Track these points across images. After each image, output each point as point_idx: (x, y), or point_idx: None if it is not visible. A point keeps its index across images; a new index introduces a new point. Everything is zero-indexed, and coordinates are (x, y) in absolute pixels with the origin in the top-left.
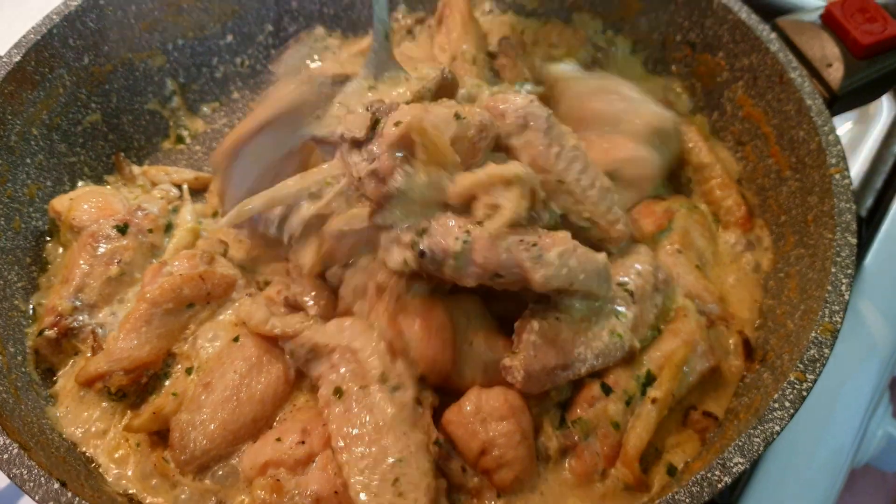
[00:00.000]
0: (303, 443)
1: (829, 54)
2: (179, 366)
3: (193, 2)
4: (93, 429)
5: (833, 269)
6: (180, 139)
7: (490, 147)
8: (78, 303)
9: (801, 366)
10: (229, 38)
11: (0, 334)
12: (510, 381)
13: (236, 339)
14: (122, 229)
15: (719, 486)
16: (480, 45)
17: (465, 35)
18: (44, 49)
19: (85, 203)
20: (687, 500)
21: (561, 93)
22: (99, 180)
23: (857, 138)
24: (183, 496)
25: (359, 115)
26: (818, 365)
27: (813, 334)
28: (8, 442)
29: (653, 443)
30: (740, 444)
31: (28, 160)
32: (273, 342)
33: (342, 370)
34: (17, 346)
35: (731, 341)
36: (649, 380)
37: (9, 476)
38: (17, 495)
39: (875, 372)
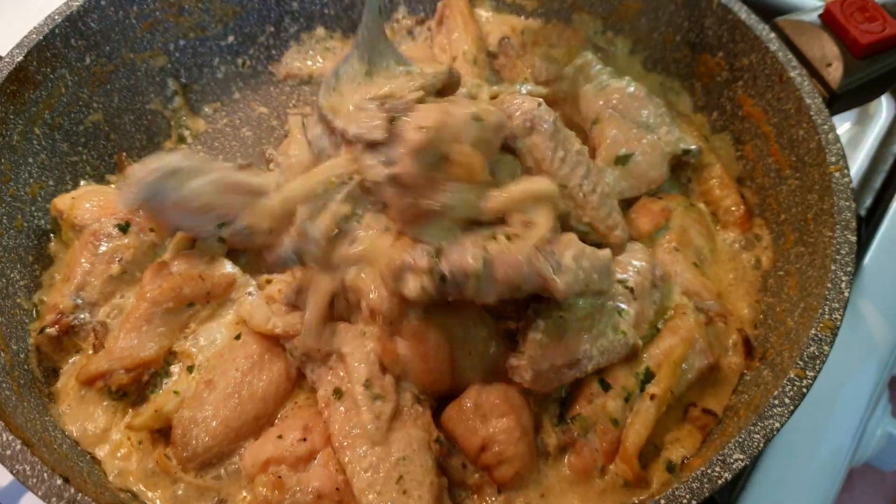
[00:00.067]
0: (304, 440)
1: (828, 54)
2: (180, 364)
3: (195, 2)
4: (94, 427)
5: (833, 267)
6: (182, 139)
7: (499, 147)
8: (79, 301)
9: (800, 363)
10: (231, 38)
11: (3, 332)
12: (518, 381)
13: (238, 337)
14: (124, 228)
15: (719, 482)
16: (481, 46)
17: (466, 35)
18: (46, 49)
19: (87, 202)
20: (687, 496)
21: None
22: (101, 180)
23: (856, 138)
24: (185, 493)
25: (371, 113)
26: (818, 362)
27: (813, 331)
28: (11, 438)
29: (652, 440)
30: (740, 440)
31: (30, 159)
32: (274, 340)
33: (340, 373)
34: (19, 343)
35: (730, 339)
36: (648, 377)
37: (11, 472)
38: (20, 493)
39: (874, 371)
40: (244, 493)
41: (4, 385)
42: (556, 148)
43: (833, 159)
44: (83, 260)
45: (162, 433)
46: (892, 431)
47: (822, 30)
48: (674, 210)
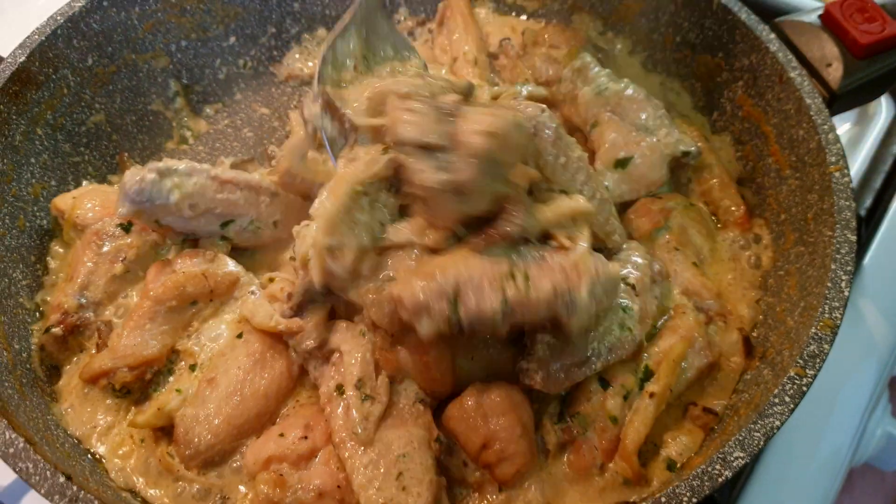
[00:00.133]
0: (306, 438)
1: (828, 54)
2: (183, 363)
3: (197, 3)
4: (97, 425)
5: (833, 266)
6: (183, 139)
7: None
8: (83, 300)
9: (800, 361)
10: (232, 39)
11: (5, 331)
12: (529, 383)
13: (240, 336)
14: (127, 227)
15: (720, 479)
16: (481, 47)
17: (466, 36)
18: (48, 50)
19: (88, 201)
20: (688, 494)
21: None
22: (103, 180)
23: (856, 138)
24: (187, 491)
25: (423, 114)
26: (818, 361)
27: (813, 330)
28: (14, 436)
29: (652, 438)
30: (741, 438)
31: (33, 160)
32: (277, 338)
33: (342, 369)
34: (21, 343)
35: (729, 338)
36: (647, 375)
37: (14, 470)
38: (22, 492)
39: (874, 371)
40: (246, 491)
41: (7, 384)
42: (558, 154)
43: (833, 159)
44: (86, 259)
45: (164, 431)
46: (892, 431)
47: (822, 30)
48: (673, 210)
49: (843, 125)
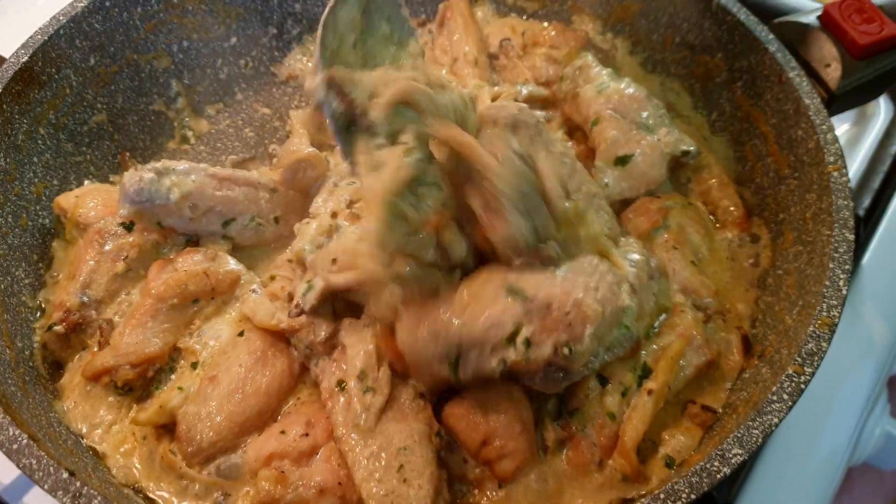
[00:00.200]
0: (307, 435)
1: (826, 55)
2: (184, 361)
3: (198, 4)
4: (99, 422)
5: (831, 265)
6: (185, 139)
7: None
8: (85, 298)
9: (799, 359)
10: (233, 40)
11: (8, 329)
12: (527, 383)
13: (241, 334)
14: (129, 226)
15: (718, 476)
16: (481, 47)
17: (467, 37)
18: (51, 50)
19: (90, 200)
20: (686, 491)
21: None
22: (105, 180)
23: (855, 139)
24: (189, 488)
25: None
26: (816, 359)
27: (811, 329)
28: (17, 433)
29: (650, 436)
30: (739, 435)
31: (35, 159)
32: (278, 336)
33: (343, 365)
34: (24, 341)
35: (727, 336)
36: (645, 372)
37: (18, 466)
38: (25, 488)
39: (872, 371)
40: (247, 488)
41: (10, 381)
42: (538, 150)
43: (831, 159)
44: (88, 258)
45: (166, 429)
46: (891, 431)
47: (821, 31)
48: (671, 209)
49: (842, 125)
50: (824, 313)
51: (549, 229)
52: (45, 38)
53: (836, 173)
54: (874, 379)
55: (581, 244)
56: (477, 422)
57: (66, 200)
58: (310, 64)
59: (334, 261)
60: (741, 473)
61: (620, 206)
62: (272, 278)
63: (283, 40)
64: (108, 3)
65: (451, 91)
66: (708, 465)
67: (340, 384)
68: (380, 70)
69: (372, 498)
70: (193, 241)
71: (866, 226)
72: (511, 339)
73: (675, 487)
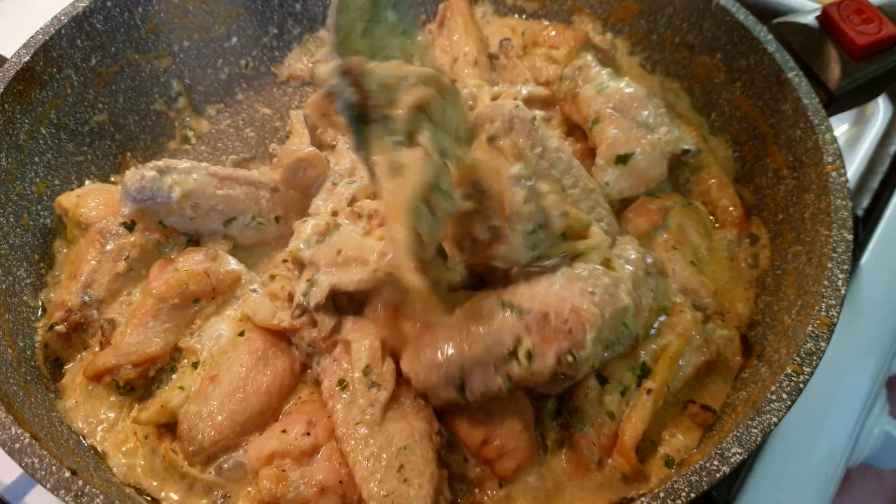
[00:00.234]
0: (308, 434)
1: (825, 55)
2: (186, 360)
3: (199, 4)
4: (101, 421)
5: (830, 265)
6: (186, 139)
7: None
8: (87, 298)
9: (797, 359)
10: (234, 40)
11: (10, 329)
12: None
13: (242, 334)
14: (130, 226)
15: (717, 475)
16: (481, 47)
17: (467, 37)
18: (52, 49)
19: (92, 200)
20: (686, 489)
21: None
22: (106, 179)
23: (853, 139)
24: (190, 487)
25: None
26: (815, 358)
27: (810, 328)
28: (20, 432)
29: (650, 436)
30: (738, 434)
31: (36, 159)
32: (279, 336)
33: (345, 364)
34: (26, 340)
35: (727, 335)
36: (644, 372)
37: (20, 465)
38: (27, 488)
39: (871, 371)
40: (249, 487)
41: (12, 381)
42: (534, 145)
43: (830, 159)
44: (90, 258)
45: (168, 428)
46: (890, 430)
47: (820, 31)
48: (671, 209)
49: (841, 126)
50: (823, 313)
51: (546, 244)
52: (47, 37)
53: (834, 173)
54: (873, 379)
55: (584, 255)
56: (477, 421)
57: (67, 200)
58: (310, 64)
59: (339, 251)
60: (740, 473)
61: (620, 206)
62: (272, 278)
63: (283, 40)
64: (109, 3)
65: (460, 98)
66: (707, 464)
67: (341, 383)
68: (393, 62)
69: (373, 498)
70: (194, 240)
71: (865, 226)
72: (512, 353)
73: (675, 486)
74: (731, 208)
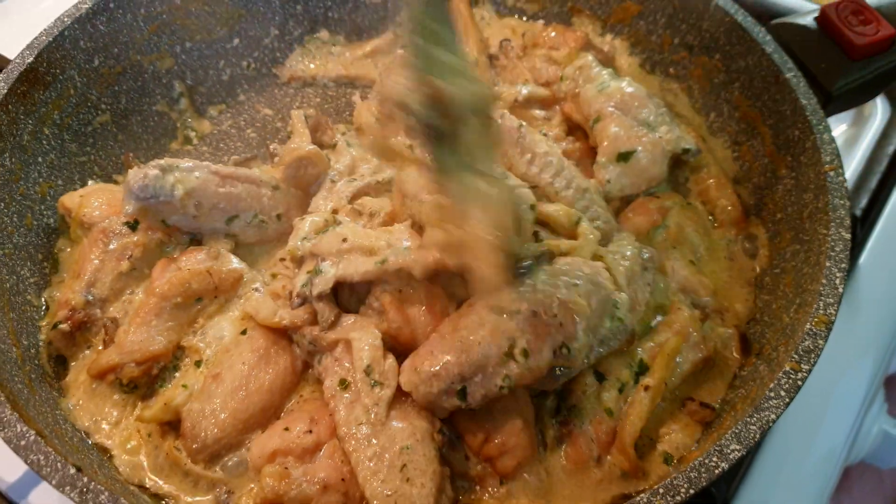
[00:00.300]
0: (310, 432)
1: (823, 56)
2: (188, 359)
3: (201, 5)
4: (104, 419)
5: (828, 264)
6: (187, 140)
7: None
8: (90, 297)
9: (796, 357)
10: (236, 41)
11: (14, 328)
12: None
13: (244, 332)
14: (133, 226)
15: (716, 472)
16: (481, 48)
17: (467, 38)
18: (55, 51)
19: (95, 200)
20: (685, 486)
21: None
22: (108, 179)
23: (852, 139)
24: (194, 484)
25: None
26: (813, 356)
27: (808, 326)
28: (25, 429)
29: (649, 433)
30: (737, 431)
31: (40, 159)
32: (280, 334)
33: (346, 363)
34: (30, 339)
35: (725, 334)
36: (642, 368)
37: (26, 462)
38: (31, 485)
39: (869, 370)
40: (251, 485)
41: (17, 379)
42: (523, 152)
43: (828, 159)
44: (93, 257)
45: (171, 426)
46: (888, 429)
47: (818, 32)
48: (670, 208)
49: (840, 126)
50: (821, 311)
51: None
52: (50, 39)
53: (832, 173)
54: (871, 378)
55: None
56: (478, 419)
57: (70, 200)
58: (311, 66)
59: (345, 240)
60: (739, 470)
61: (621, 204)
62: (274, 276)
63: (284, 41)
64: (112, 5)
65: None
66: (706, 461)
67: (343, 383)
68: (464, 81)
69: (376, 497)
70: (197, 239)
71: (863, 225)
72: (509, 354)
73: (674, 483)
74: (729, 208)
